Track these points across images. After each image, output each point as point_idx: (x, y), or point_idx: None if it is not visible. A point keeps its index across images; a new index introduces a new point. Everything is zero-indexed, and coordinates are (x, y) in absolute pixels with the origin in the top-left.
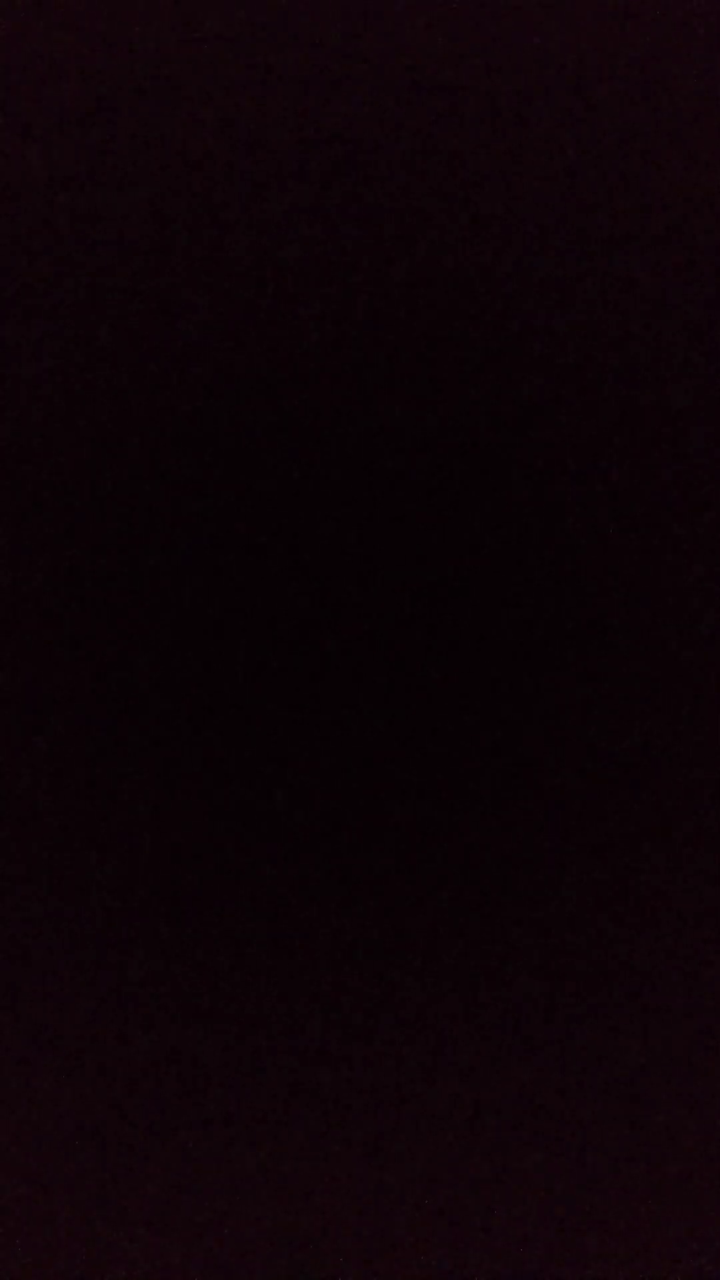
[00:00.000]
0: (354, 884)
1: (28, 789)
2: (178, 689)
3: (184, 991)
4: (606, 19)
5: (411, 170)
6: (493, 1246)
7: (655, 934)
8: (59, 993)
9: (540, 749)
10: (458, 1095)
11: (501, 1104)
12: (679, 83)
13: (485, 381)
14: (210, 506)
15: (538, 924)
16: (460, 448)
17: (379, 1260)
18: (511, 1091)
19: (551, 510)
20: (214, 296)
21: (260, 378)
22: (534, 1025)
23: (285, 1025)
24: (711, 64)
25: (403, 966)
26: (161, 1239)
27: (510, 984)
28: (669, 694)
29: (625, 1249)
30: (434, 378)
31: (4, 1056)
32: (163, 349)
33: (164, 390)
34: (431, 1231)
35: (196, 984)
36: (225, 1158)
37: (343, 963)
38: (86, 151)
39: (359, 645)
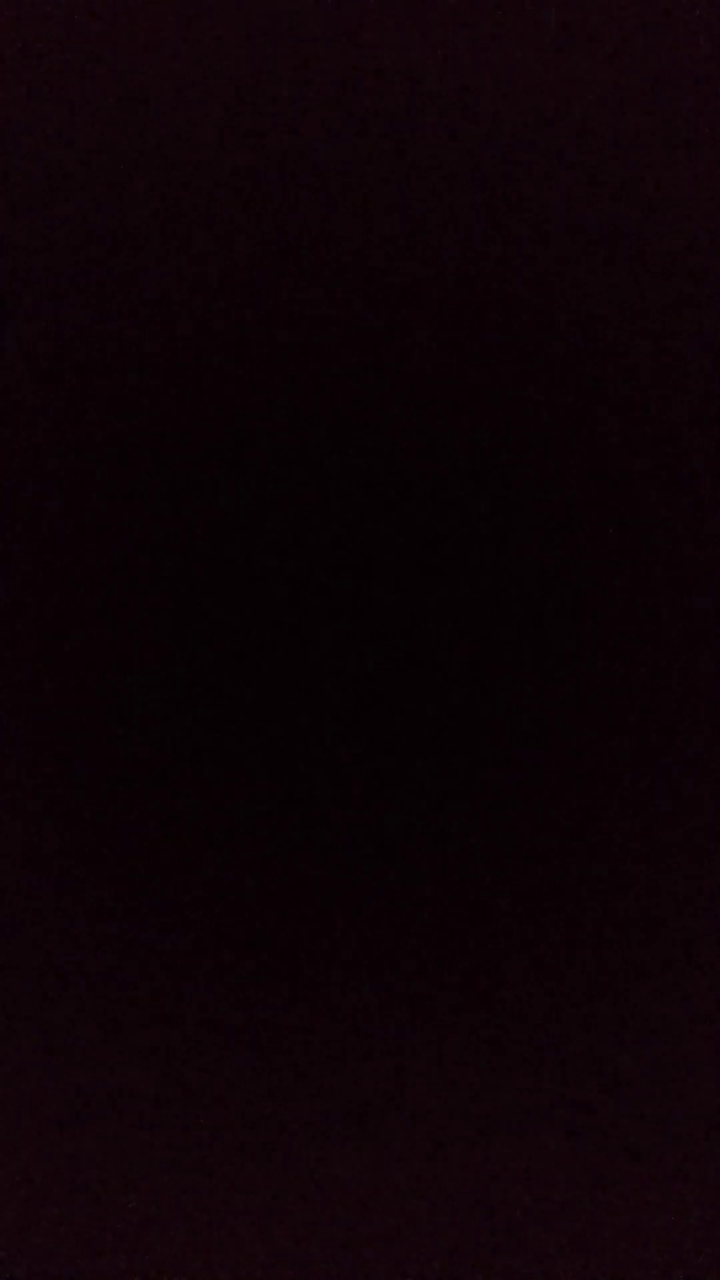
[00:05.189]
0: (354, 882)
1: (27, 789)
2: (177, 688)
3: (184, 992)
4: (606, 20)
5: (412, 174)
6: (493, 1246)
7: (655, 936)
8: (60, 994)
9: (540, 754)
10: (457, 1096)
11: (501, 1105)
12: (679, 84)
13: (484, 383)
14: (210, 508)
15: (538, 925)
16: (460, 448)
17: (379, 1260)
18: (511, 1092)
19: (551, 514)
20: (213, 299)
21: (259, 382)
22: (534, 1026)
23: (285, 1026)
24: (711, 64)
25: (403, 966)
26: (162, 1239)
27: (511, 984)
28: (669, 695)
29: (625, 1249)
30: (434, 380)
31: (4, 1058)
32: (162, 348)
33: (163, 393)
34: (432, 1231)
35: (196, 984)
36: (225, 1159)
37: (343, 962)
38: (86, 151)
39: (357, 642)
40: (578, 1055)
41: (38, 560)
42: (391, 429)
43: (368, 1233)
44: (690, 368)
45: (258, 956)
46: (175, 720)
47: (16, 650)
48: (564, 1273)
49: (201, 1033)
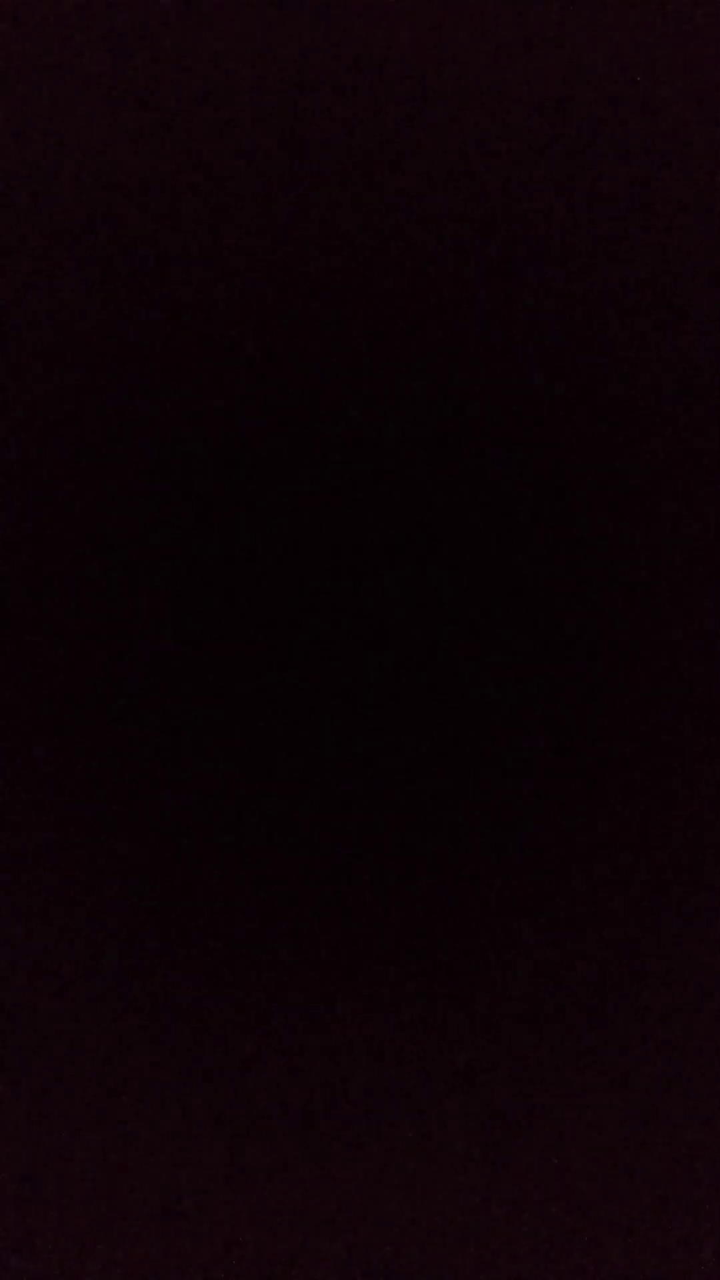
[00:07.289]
0: (353, 885)
1: (26, 790)
2: (176, 686)
3: (184, 994)
4: (606, 21)
5: (410, 175)
6: (493, 1246)
7: (655, 936)
8: (61, 995)
9: (540, 751)
10: (457, 1098)
11: (501, 1106)
12: (679, 84)
13: (482, 385)
14: (209, 508)
15: (537, 926)
16: (459, 447)
17: (379, 1260)
18: (511, 1093)
19: (550, 515)
20: (213, 301)
21: (257, 383)
22: (534, 1027)
23: (285, 1028)
24: (711, 64)
25: (403, 967)
26: (161, 1239)
27: (510, 986)
28: (669, 697)
29: (625, 1249)
30: (433, 381)
31: (5, 1058)
32: (162, 349)
33: (162, 394)
34: (432, 1232)
35: (197, 985)
36: (224, 1162)
37: (343, 964)
38: (85, 152)
39: (356, 638)
40: (578, 1053)
41: (37, 560)
42: (390, 428)
43: (367, 1232)
44: (691, 366)
45: (257, 955)
46: (174, 718)
47: (16, 650)
48: (564, 1272)
49: (201, 1032)
